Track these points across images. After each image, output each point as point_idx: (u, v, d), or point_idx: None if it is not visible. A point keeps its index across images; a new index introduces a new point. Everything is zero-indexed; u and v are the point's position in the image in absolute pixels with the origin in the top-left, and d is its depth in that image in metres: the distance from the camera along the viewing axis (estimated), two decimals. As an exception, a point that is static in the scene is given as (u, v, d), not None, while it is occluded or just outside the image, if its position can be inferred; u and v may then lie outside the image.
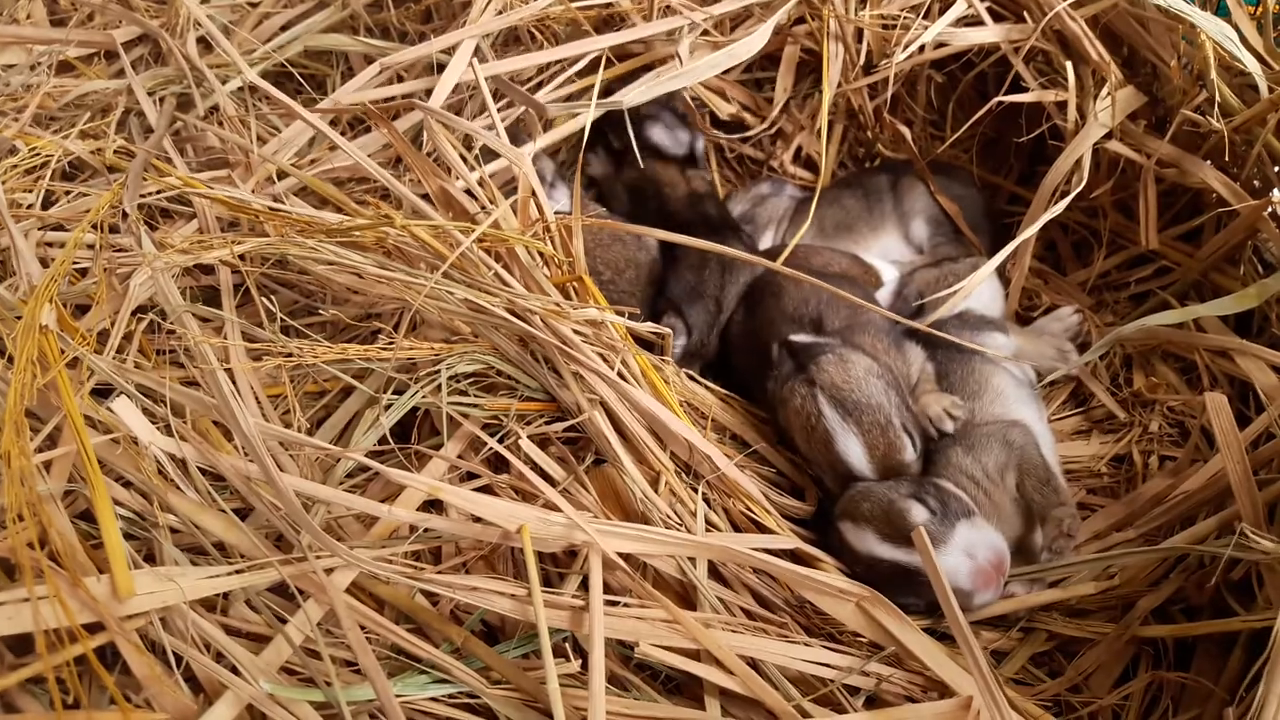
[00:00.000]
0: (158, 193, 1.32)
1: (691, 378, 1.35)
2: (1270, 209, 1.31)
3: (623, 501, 1.07)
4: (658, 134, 1.68)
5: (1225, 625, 1.03)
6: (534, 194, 1.23)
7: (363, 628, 0.89)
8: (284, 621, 0.90)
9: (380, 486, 1.05)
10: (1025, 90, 1.54)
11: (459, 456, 1.07)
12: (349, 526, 1.03)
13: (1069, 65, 1.48)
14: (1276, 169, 1.34)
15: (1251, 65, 1.30)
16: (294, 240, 1.12)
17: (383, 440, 1.07)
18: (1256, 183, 1.39)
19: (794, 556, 1.11)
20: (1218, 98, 1.33)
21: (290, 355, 1.04)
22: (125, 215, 1.21)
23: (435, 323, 1.15)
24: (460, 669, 0.90)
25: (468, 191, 1.23)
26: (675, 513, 1.08)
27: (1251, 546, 0.96)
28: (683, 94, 1.77)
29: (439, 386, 1.06)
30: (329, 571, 0.91)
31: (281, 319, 1.13)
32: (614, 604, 0.95)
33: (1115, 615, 1.15)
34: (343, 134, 1.53)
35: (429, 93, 1.38)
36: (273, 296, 1.17)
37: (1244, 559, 1.00)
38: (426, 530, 0.98)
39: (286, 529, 0.91)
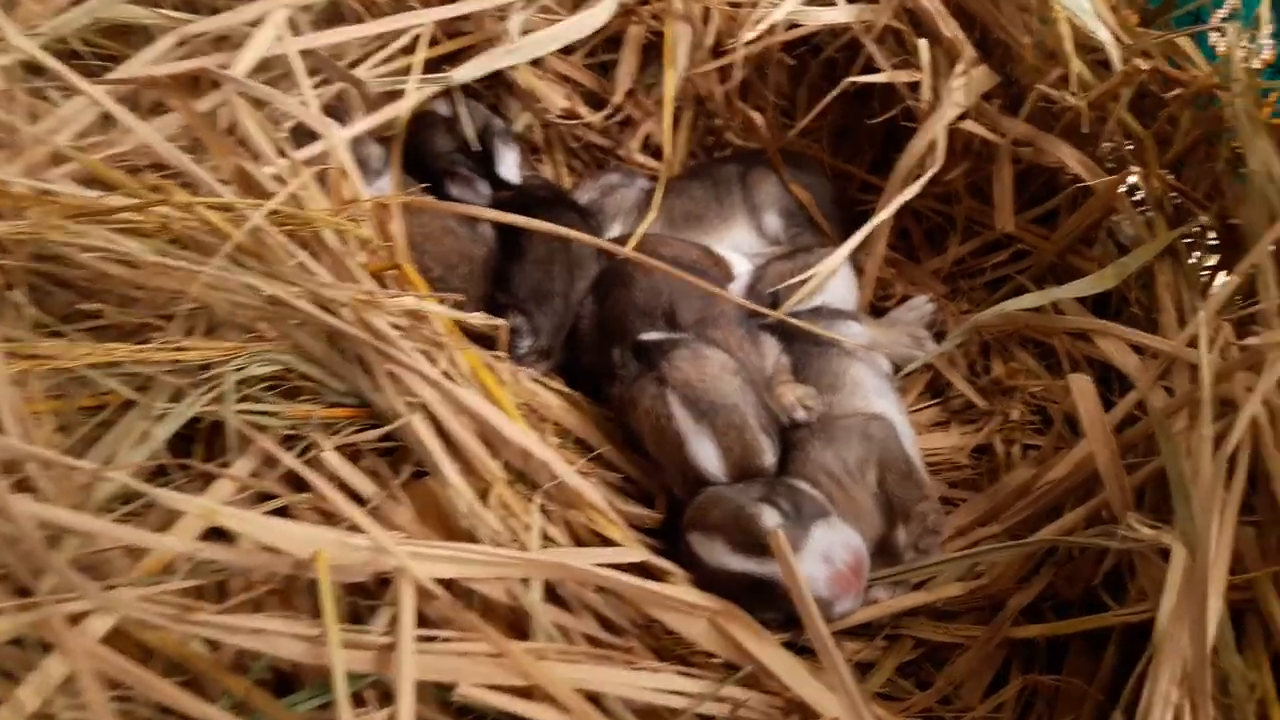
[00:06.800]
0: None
1: (532, 378, 1.23)
2: (1125, 186, 1.29)
3: (445, 519, 0.94)
4: (456, 190, 1.48)
5: (1100, 620, 0.98)
6: (345, 172, 1.10)
7: (122, 685, 0.74)
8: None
9: (161, 515, 0.90)
10: (878, 72, 1.49)
11: (252, 475, 0.92)
12: (117, 562, 0.87)
13: (922, 43, 1.43)
14: (1129, 146, 1.32)
15: (1105, 37, 1.27)
16: (54, 224, 0.96)
17: (163, 457, 0.92)
18: (1110, 164, 1.37)
19: (642, 570, 1.00)
20: (1074, 70, 1.30)
21: (38, 357, 0.87)
22: None
23: (231, 321, 1.00)
24: (242, 728, 0.75)
25: (279, 178, 1.09)
26: (508, 528, 0.96)
27: (1125, 535, 0.90)
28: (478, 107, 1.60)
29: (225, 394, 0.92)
30: (77, 619, 0.75)
31: (37, 319, 0.96)
32: (431, 639, 0.82)
33: (985, 617, 1.10)
34: (142, 119, 1.37)
35: (233, 67, 1.24)
36: (42, 298, 1.00)
37: (1114, 548, 0.95)
38: (207, 562, 0.83)
39: (18, 566, 0.75)
